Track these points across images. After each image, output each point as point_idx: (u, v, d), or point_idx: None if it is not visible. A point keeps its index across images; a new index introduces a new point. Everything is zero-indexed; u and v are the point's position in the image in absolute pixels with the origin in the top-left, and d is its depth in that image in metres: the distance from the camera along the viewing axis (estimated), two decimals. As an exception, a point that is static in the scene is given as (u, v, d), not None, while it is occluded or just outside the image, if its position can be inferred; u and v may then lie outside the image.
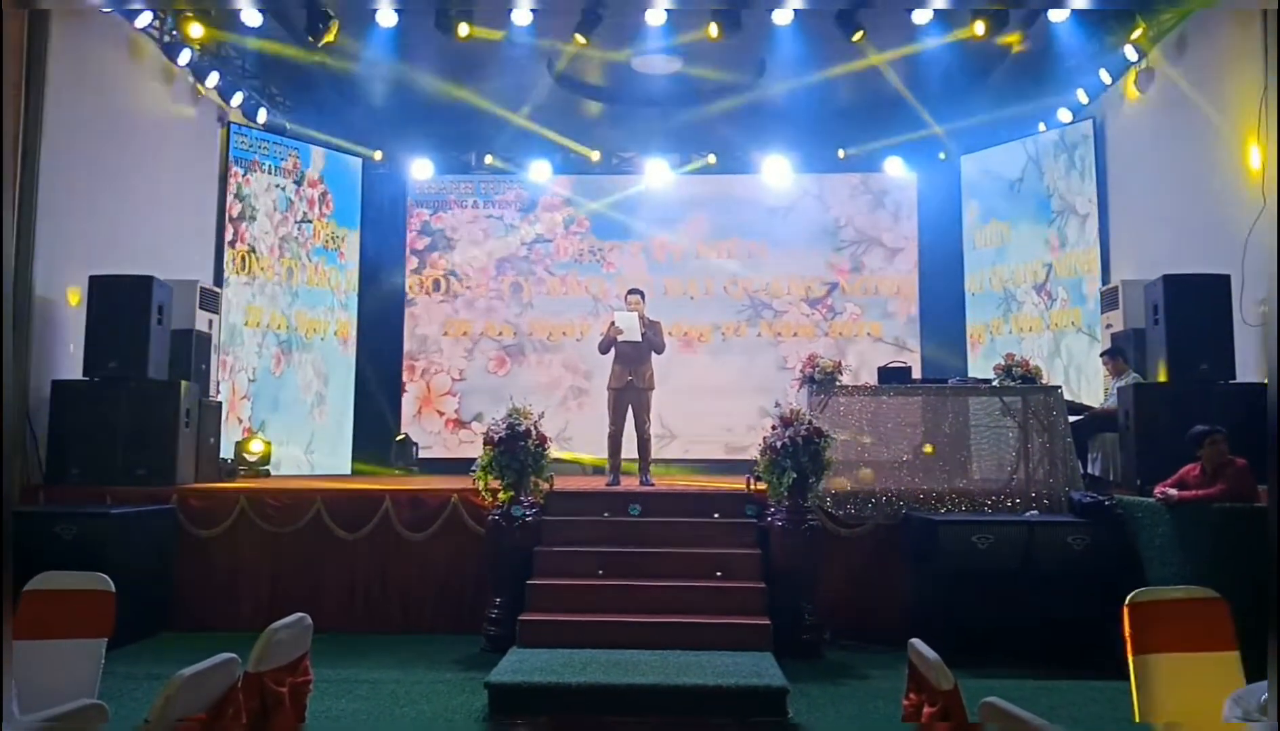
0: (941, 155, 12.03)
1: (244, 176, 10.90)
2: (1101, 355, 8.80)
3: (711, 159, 12.26)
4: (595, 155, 12.24)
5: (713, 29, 9.44)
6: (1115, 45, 9.45)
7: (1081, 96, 10.32)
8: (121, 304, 7.75)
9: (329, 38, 9.39)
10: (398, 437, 11.61)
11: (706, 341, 12.22)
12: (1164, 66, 9.04)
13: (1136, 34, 9.08)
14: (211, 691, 2.43)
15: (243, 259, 10.82)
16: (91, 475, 7.51)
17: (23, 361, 7.40)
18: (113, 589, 3.64)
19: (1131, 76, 9.42)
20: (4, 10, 5.93)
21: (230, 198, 10.74)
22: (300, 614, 3.03)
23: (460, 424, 12.13)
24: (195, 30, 9.40)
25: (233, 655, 2.58)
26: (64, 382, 7.74)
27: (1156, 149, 9.27)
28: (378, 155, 12.16)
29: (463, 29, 9.52)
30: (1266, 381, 6.80)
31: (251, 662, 2.73)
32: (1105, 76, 9.80)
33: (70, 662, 3.51)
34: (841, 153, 12.06)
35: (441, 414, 12.20)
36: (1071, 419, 7.94)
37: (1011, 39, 9.97)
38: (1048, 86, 10.59)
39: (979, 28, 9.46)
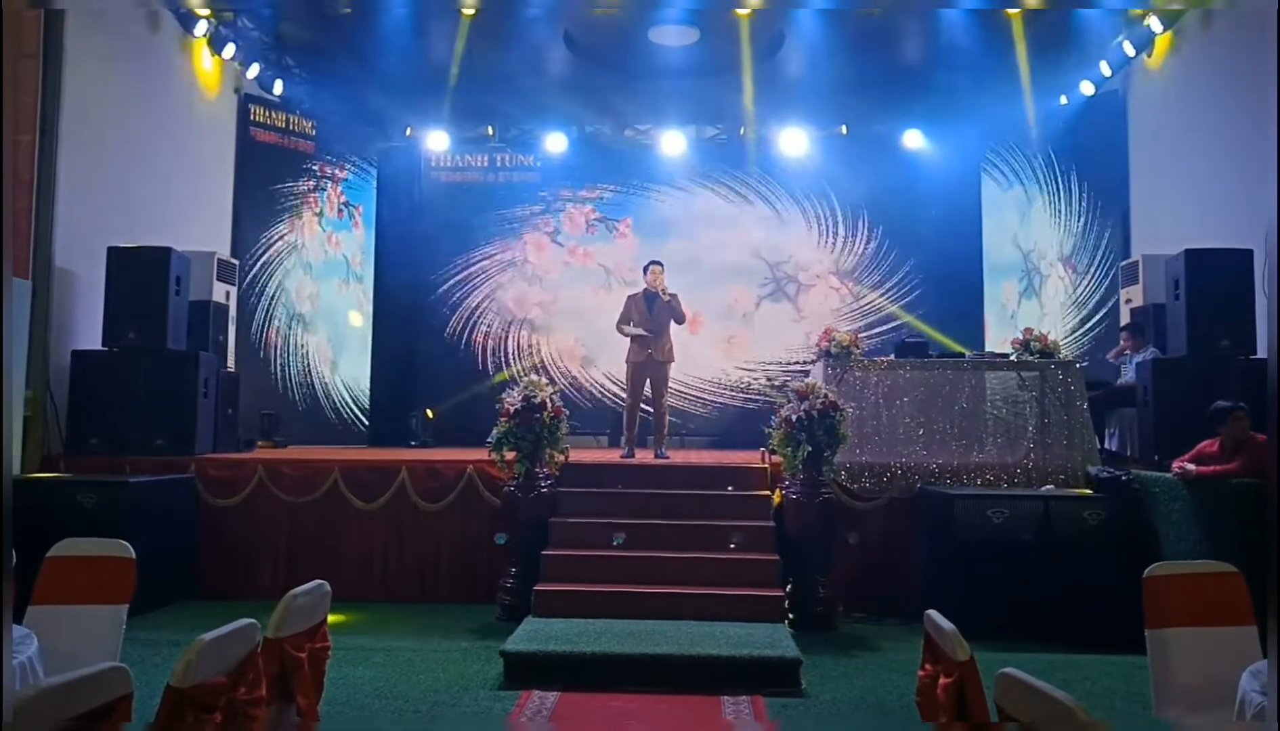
0: (977, 127, 11.84)
1: (260, 147, 10.90)
2: (1121, 330, 8.74)
3: (733, 129, 12.17)
4: (611, 127, 12.18)
5: (741, 9, 9.43)
6: (1139, 17, 9.31)
7: (1104, 69, 10.17)
8: (140, 275, 7.79)
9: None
10: (428, 413, 11.52)
11: (724, 315, 12.17)
12: (1188, 37, 8.91)
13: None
14: (232, 656, 2.46)
15: (261, 232, 10.84)
16: (111, 445, 7.59)
17: (43, 332, 7.46)
18: (133, 555, 3.67)
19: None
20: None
21: (247, 169, 10.74)
22: (319, 580, 3.05)
23: None
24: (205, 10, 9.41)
25: (252, 620, 2.60)
26: (83, 352, 7.80)
27: (1180, 122, 9.14)
28: (408, 131, 12.15)
29: (467, 10, 9.57)
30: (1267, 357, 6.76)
31: (271, 628, 2.76)
32: (1129, 49, 9.66)
33: (92, 628, 3.55)
34: (861, 124, 11.95)
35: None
36: (1089, 394, 7.89)
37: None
38: (1070, 59, 10.44)
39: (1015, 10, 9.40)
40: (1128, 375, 8.32)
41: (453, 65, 11.13)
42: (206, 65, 9.99)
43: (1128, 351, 8.47)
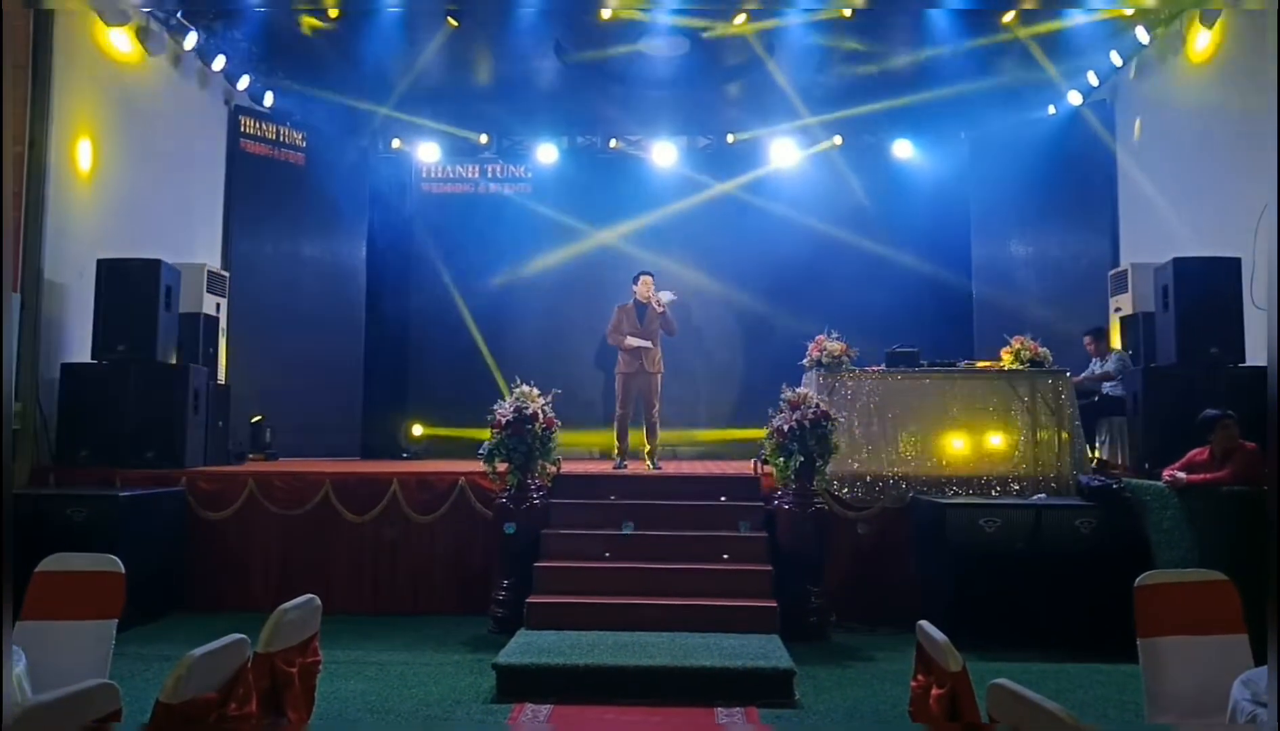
0: (966, 137, 11.88)
1: (250, 159, 10.87)
2: (1085, 335, 8.83)
3: (723, 139, 12.20)
4: (600, 137, 12.21)
5: (739, 18, 9.48)
6: (1128, 26, 9.36)
7: (1092, 78, 10.24)
8: (130, 287, 7.76)
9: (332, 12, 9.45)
10: (415, 431, 11.46)
11: (715, 326, 12.15)
12: (1176, 47, 8.96)
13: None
14: (222, 671, 2.44)
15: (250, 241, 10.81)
16: (101, 457, 7.55)
17: (32, 344, 7.43)
18: (122, 570, 3.65)
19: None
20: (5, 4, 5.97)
21: (237, 181, 10.72)
22: (310, 595, 3.04)
23: None
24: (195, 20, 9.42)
25: (243, 635, 2.59)
26: (73, 365, 7.77)
27: (1167, 130, 9.20)
28: (396, 143, 12.19)
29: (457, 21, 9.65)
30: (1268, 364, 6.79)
31: (261, 643, 2.74)
32: (1116, 58, 9.73)
33: (81, 643, 3.53)
34: (851, 134, 11.99)
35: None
36: (1079, 402, 7.93)
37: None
38: (1058, 68, 10.48)
39: (1008, 16, 9.46)
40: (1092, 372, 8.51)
41: (444, 76, 11.14)
42: (197, 77, 9.98)
43: (1092, 355, 8.62)
